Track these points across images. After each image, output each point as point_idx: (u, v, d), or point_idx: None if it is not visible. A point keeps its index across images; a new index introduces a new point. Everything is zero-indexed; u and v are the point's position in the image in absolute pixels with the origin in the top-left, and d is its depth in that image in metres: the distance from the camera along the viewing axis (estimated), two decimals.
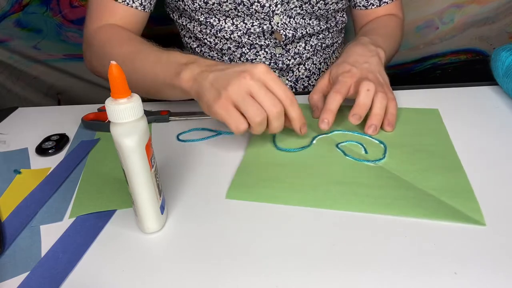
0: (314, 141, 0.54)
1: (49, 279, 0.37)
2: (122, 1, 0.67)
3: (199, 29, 0.76)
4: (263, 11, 0.70)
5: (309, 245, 0.38)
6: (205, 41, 0.77)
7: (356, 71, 0.57)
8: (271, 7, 0.70)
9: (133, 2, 0.67)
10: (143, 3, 0.68)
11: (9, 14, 1.08)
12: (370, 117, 0.54)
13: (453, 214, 0.40)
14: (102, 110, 0.65)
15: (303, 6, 0.71)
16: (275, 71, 0.78)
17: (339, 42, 0.85)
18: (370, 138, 0.54)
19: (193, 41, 0.80)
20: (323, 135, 0.55)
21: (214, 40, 0.76)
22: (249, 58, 0.77)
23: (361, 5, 0.78)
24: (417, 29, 1.07)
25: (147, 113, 0.63)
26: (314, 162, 0.50)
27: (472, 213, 0.40)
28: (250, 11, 0.70)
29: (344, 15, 0.81)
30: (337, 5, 0.74)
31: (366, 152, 0.51)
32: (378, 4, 0.77)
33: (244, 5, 0.69)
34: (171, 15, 0.79)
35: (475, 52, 1.10)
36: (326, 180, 0.47)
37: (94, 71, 0.70)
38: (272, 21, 0.72)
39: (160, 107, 0.65)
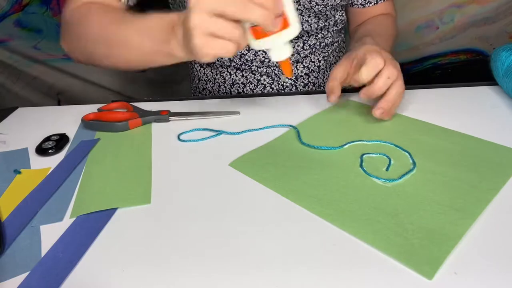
0: (346, 146, 0.52)
1: (49, 279, 0.37)
2: None
3: None
4: None
5: (309, 245, 0.38)
6: None
7: (380, 49, 0.56)
8: None
9: None
10: None
11: (9, 14, 1.08)
12: (382, 100, 0.54)
13: (406, 257, 0.36)
14: (102, 110, 0.65)
15: (300, 1, 0.71)
16: (274, 68, 0.79)
17: (338, 41, 0.85)
18: (409, 156, 0.49)
19: None
20: (354, 143, 0.53)
21: None
22: (248, 59, 0.77)
23: (358, 3, 0.79)
24: (417, 29, 1.07)
25: (147, 113, 0.63)
26: (325, 164, 0.49)
27: (425, 265, 0.35)
28: None
29: (343, 14, 0.81)
30: (335, 1, 0.74)
31: (387, 169, 0.47)
32: (375, 2, 0.78)
33: None
34: None
35: (475, 52, 1.10)
36: (330, 186, 0.45)
37: (73, 55, 0.66)
38: None
39: (160, 107, 0.65)
